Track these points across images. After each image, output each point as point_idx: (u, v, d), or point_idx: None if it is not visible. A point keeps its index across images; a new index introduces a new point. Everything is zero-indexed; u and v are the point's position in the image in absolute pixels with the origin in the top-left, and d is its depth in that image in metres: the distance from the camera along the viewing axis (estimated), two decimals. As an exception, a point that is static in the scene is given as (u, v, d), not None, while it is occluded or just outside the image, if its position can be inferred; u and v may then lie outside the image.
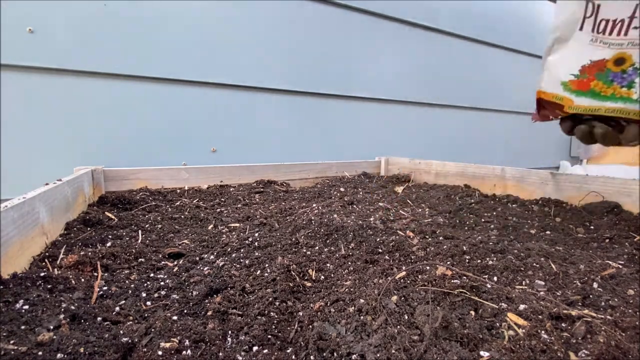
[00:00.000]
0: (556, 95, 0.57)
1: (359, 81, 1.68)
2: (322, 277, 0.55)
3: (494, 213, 0.90)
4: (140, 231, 0.72)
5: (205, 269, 0.55)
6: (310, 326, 0.40)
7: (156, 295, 0.48)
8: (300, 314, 0.44)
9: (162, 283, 0.51)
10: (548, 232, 0.75)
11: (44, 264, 0.53)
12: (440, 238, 0.69)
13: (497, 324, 0.40)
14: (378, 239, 0.67)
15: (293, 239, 0.68)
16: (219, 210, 0.92)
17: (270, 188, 1.17)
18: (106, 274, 0.53)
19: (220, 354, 0.36)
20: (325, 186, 1.23)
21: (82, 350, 0.33)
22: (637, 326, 0.38)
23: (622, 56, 0.50)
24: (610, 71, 0.52)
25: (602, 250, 0.64)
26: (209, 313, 0.43)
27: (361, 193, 1.11)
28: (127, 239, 0.67)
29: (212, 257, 0.61)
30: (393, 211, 0.88)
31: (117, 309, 0.44)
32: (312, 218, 0.79)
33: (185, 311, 0.44)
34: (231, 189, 1.14)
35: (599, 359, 0.34)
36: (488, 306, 0.43)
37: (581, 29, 0.50)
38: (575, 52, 0.51)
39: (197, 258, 0.60)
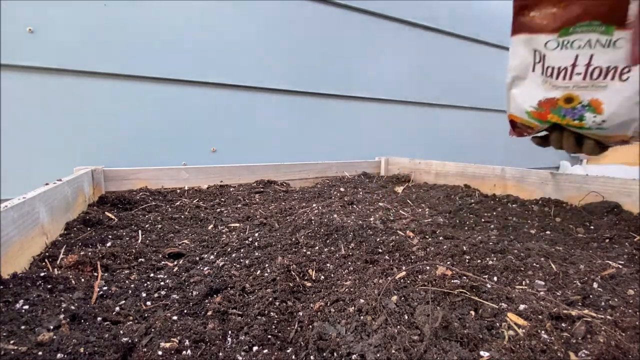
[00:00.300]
0: (524, 120, 0.64)
1: (359, 81, 1.68)
2: (322, 277, 0.55)
3: (494, 213, 0.90)
4: (140, 231, 0.72)
5: (205, 269, 0.55)
6: (310, 326, 0.40)
7: (156, 295, 0.48)
8: (300, 314, 0.44)
9: (162, 283, 0.51)
10: (548, 232, 0.75)
11: (44, 264, 0.53)
12: (440, 238, 0.69)
13: (497, 324, 0.40)
14: (378, 239, 0.67)
15: (293, 239, 0.68)
16: (219, 210, 0.92)
17: (270, 188, 1.17)
18: (106, 274, 0.53)
19: (220, 354, 0.36)
20: (325, 186, 1.23)
21: (82, 350, 0.33)
22: (637, 326, 0.38)
23: (570, 96, 0.56)
24: (562, 107, 0.59)
25: (602, 250, 0.64)
26: (209, 313, 0.43)
27: (361, 193, 1.11)
28: (127, 239, 0.67)
29: (212, 257, 0.61)
30: (393, 211, 0.88)
31: (117, 309, 0.44)
32: (312, 218, 0.79)
33: (185, 311, 0.44)
34: (231, 189, 1.14)
35: (599, 359, 0.34)
36: (488, 306, 0.43)
37: (533, 70, 0.56)
38: (531, 89, 0.58)
39: (197, 258, 0.60)
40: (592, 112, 0.56)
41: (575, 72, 0.54)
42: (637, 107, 0.52)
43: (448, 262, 0.56)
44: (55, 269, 0.51)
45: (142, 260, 0.59)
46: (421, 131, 1.96)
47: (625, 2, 0.47)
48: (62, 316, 0.38)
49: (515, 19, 0.54)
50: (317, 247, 0.65)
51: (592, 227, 0.78)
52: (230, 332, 0.40)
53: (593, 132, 0.59)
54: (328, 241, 0.68)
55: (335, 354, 0.35)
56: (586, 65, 0.52)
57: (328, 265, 0.58)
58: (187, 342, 0.37)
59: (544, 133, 0.69)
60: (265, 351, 0.37)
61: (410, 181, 1.38)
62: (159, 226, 0.77)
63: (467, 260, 0.57)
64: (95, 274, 0.52)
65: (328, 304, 0.45)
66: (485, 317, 0.41)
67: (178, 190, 1.08)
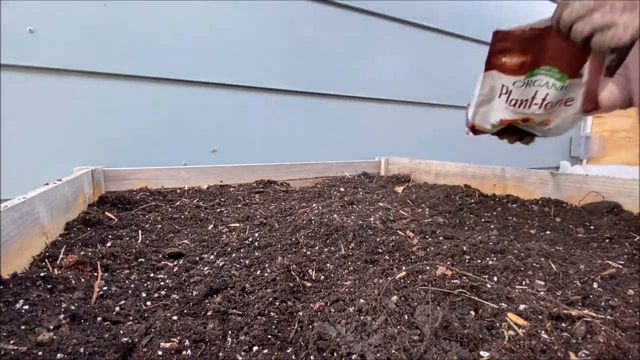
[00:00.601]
0: (485, 128, 0.79)
1: (359, 81, 1.68)
2: (322, 277, 0.55)
3: (494, 213, 0.90)
4: (140, 231, 0.72)
5: (205, 269, 0.55)
6: (310, 326, 0.40)
7: (156, 295, 0.48)
8: (300, 314, 0.44)
9: (162, 283, 0.51)
10: (548, 232, 0.75)
11: (44, 264, 0.53)
12: (440, 238, 0.69)
13: (497, 324, 0.40)
14: (378, 239, 0.67)
15: (293, 239, 0.68)
16: (219, 210, 0.92)
17: (270, 188, 1.17)
18: (106, 274, 0.53)
19: (220, 354, 0.36)
20: (325, 186, 1.23)
21: (82, 350, 0.33)
22: (637, 326, 0.38)
23: (527, 118, 0.71)
24: (519, 124, 0.75)
25: (602, 250, 0.64)
26: (209, 313, 0.43)
27: (361, 193, 1.11)
28: (127, 239, 0.67)
29: (212, 257, 0.61)
30: (393, 211, 0.88)
31: (117, 309, 0.44)
32: (312, 218, 0.79)
33: (185, 311, 0.44)
34: (231, 189, 1.14)
35: (599, 359, 0.34)
36: (488, 306, 0.43)
37: (499, 97, 0.69)
38: (496, 110, 0.72)
39: (197, 258, 0.60)
40: (542, 125, 0.73)
41: (533, 103, 0.68)
42: (575, 121, 0.71)
43: (448, 262, 0.56)
44: (55, 269, 0.51)
45: (142, 260, 0.59)
46: (421, 131, 1.95)
47: (577, 62, 0.62)
48: (62, 316, 0.38)
49: (489, 60, 0.66)
50: (317, 247, 0.65)
51: (592, 227, 0.78)
52: (230, 332, 0.40)
53: (539, 133, 0.77)
54: (328, 241, 0.68)
55: (335, 354, 0.35)
56: (542, 100, 0.67)
57: (328, 265, 0.58)
58: (187, 342, 0.37)
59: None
60: (265, 351, 0.37)
61: (410, 181, 1.37)
62: (159, 226, 0.77)
63: (467, 260, 0.57)
64: (95, 274, 0.52)
65: (328, 304, 0.45)
66: (485, 317, 0.41)
67: (178, 190, 1.08)
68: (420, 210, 0.93)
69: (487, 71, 0.66)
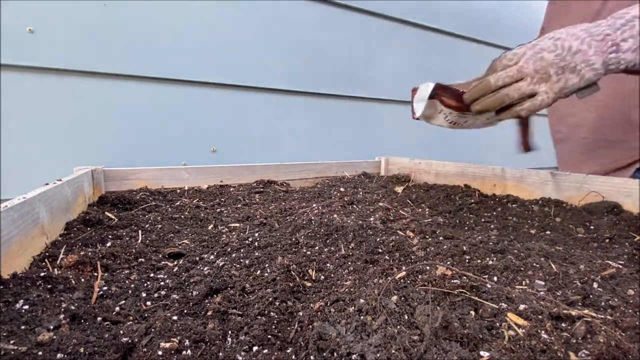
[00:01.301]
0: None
1: (359, 81, 1.68)
2: (322, 277, 0.55)
3: (494, 213, 0.90)
4: (140, 231, 0.72)
5: (205, 269, 0.55)
6: (310, 326, 0.40)
7: (156, 295, 0.48)
8: (300, 314, 0.44)
9: (162, 283, 0.51)
10: (548, 232, 0.75)
11: (44, 264, 0.53)
12: (440, 238, 0.69)
13: (497, 324, 0.40)
14: (378, 239, 0.67)
15: (293, 239, 0.68)
16: (219, 210, 0.92)
17: (270, 188, 1.17)
18: (106, 274, 0.53)
19: (220, 354, 0.36)
20: (325, 186, 1.23)
21: (82, 350, 0.33)
22: (637, 326, 0.38)
23: (460, 128, 0.87)
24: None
25: (602, 250, 0.64)
26: (209, 313, 0.43)
27: (361, 193, 1.11)
28: (127, 239, 0.67)
29: (212, 257, 0.61)
30: (393, 211, 0.88)
31: (117, 309, 0.44)
32: (312, 218, 0.79)
33: (185, 311, 0.44)
34: (231, 189, 1.14)
35: (599, 359, 0.34)
36: (488, 306, 0.43)
37: (439, 113, 0.82)
38: (436, 120, 0.85)
39: (197, 258, 0.60)
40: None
41: (465, 123, 0.83)
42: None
43: (448, 262, 0.56)
44: (55, 269, 0.51)
45: (142, 260, 0.59)
46: (421, 131, 1.95)
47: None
48: (62, 316, 0.38)
49: (433, 95, 0.78)
50: (317, 247, 0.65)
51: (592, 227, 0.78)
52: (230, 332, 0.40)
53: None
54: (328, 241, 0.68)
55: (335, 354, 0.35)
56: (472, 123, 0.83)
57: (328, 265, 0.58)
58: (187, 342, 0.37)
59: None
60: (265, 351, 0.37)
61: (410, 181, 1.37)
62: (159, 226, 0.77)
63: (467, 260, 0.57)
64: (95, 274, 0.52)
65: (328, 304, 0.45)
66: (485, 317, 0.41)
67: (178, 190, 1.08)
68: (420, 210, 0.93)
69: (430, 99, 0.79)
